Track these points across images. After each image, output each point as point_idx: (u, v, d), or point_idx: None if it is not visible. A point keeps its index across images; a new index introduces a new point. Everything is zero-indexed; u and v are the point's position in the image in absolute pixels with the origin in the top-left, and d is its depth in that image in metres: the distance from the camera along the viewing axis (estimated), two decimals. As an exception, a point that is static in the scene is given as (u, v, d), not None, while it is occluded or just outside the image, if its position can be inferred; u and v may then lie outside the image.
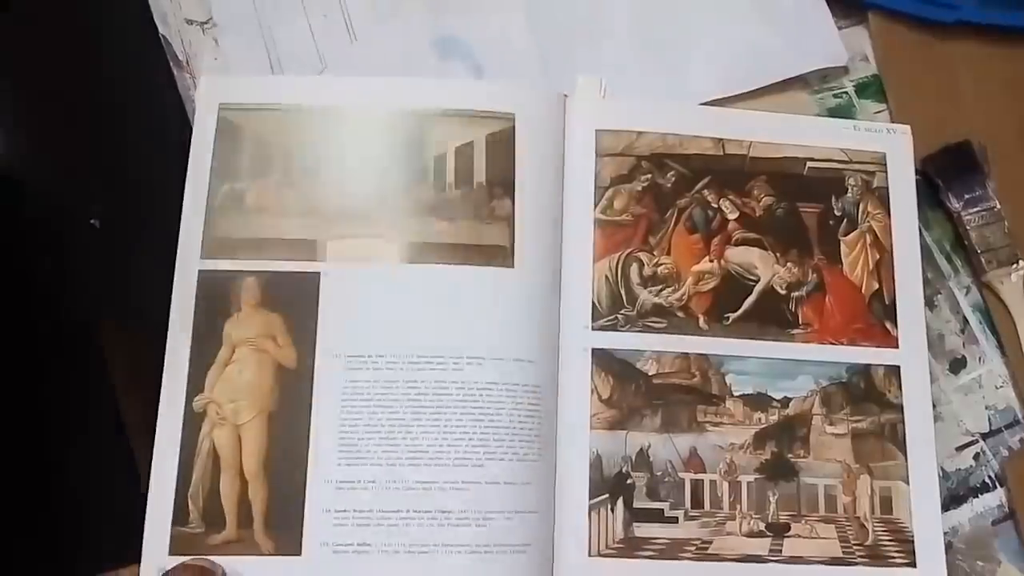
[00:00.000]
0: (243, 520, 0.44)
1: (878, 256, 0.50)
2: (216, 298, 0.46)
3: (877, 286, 0.49)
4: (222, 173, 0.47)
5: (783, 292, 0.49)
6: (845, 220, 0.50)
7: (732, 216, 0.50)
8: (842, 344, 0.48)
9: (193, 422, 0.45)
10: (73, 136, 0.51)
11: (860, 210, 0.50)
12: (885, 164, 0.51)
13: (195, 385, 0.45)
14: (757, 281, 0.49)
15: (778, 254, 0.50)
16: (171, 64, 0.52)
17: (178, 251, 0.46)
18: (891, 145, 0.51)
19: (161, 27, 0.53)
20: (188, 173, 0.48)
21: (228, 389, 0.45)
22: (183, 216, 0.47)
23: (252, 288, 0.46)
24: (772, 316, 0.49)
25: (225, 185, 0.47)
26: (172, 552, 0.43)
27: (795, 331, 0.49)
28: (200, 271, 0.46)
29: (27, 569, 0.56)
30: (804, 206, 0.50)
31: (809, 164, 0.51)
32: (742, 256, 0.50)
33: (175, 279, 0.46)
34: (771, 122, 0.51)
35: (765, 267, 0.49)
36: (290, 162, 0.48)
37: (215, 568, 0.42)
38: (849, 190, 0.51)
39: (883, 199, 0.51)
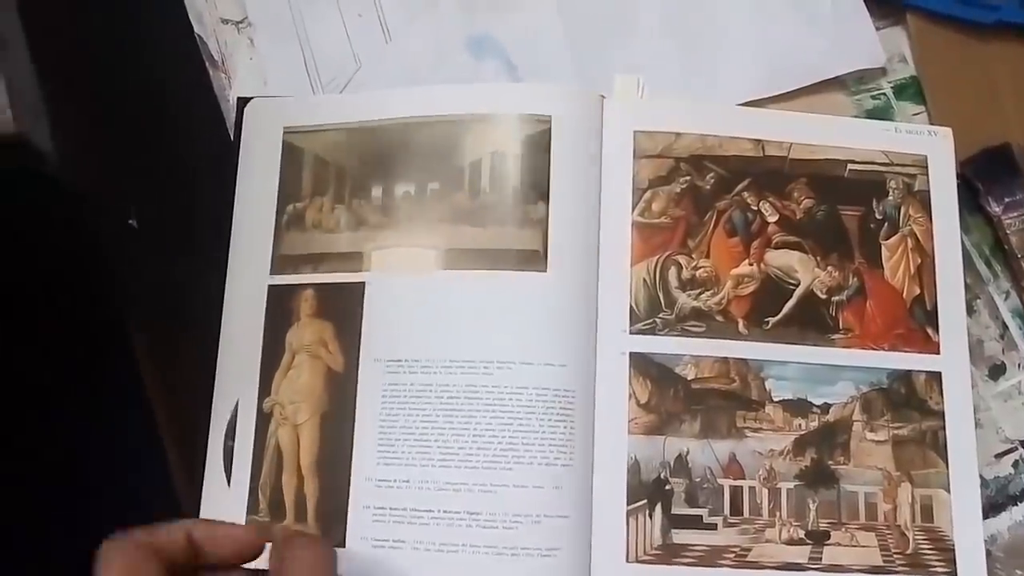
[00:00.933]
0: (300, 512, 0.46)
1: (919, 260, 0.49)
2: (281, 309, 0.49)
3: (918, 291, 0.49)
4: (286, 194, 0.50)
5: (823, 296, 0.49)
6: (886, 223, 0.50)
7: (772, 219, 0.49)
8: (883, 350, 0.48)
9: (263, 422, 0.48)
10: (110, 136, 0.51)
11: (902, 213, 0.50)
12: (926, 167, 0.50)
13: (264, 388, 0.48)
14: (797, 285, 0.49)
15: (818, 258, 0.49)
16: (206, 64, 0.52)
17: (247, 267, 0.49)
18: (932, 147, 0.50)
19: (197, 27, 0.53)
20: (252, 194, 0.50)
21: (289, 392, 0.48)
22: (249, 234, 0.50)
23: (310, 299, 0.48)
24: (812, 321, 0.48)
25: (289, 205, 0.50)
26: None
27: (836, 336, 0.48)
28: (270, 286, 0.49)
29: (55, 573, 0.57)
30: (845, 209, 0.50)
31: (850, 166, 0.50)
32: (782, 259, 0.49)
33: (246, 293, 0.49)
34: (811, 123, 0.51)
35: (805, 271, 0.49)
36: (342, 178, 0.50)
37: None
38: (890, 193, 0.50)
39: (924, 202, 0.50)
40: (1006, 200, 0.51)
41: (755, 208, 0.49)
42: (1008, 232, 0.51)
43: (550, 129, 0.48)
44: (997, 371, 0.50)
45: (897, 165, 0.50)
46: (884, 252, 0.49)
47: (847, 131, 0.51)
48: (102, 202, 0.49)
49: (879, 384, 0.48)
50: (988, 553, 0.47)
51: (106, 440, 0.57)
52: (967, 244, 0.52)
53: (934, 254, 0.49)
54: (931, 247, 0.49)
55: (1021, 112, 0.53)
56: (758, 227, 0.49)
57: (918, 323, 0.48)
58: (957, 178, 0.51)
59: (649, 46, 0.53)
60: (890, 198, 0.50)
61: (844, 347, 0.48)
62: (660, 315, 0.48)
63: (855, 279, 0.49)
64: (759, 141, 0.50)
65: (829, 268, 0.49)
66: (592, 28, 0.54)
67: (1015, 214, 0.51)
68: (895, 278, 0.49)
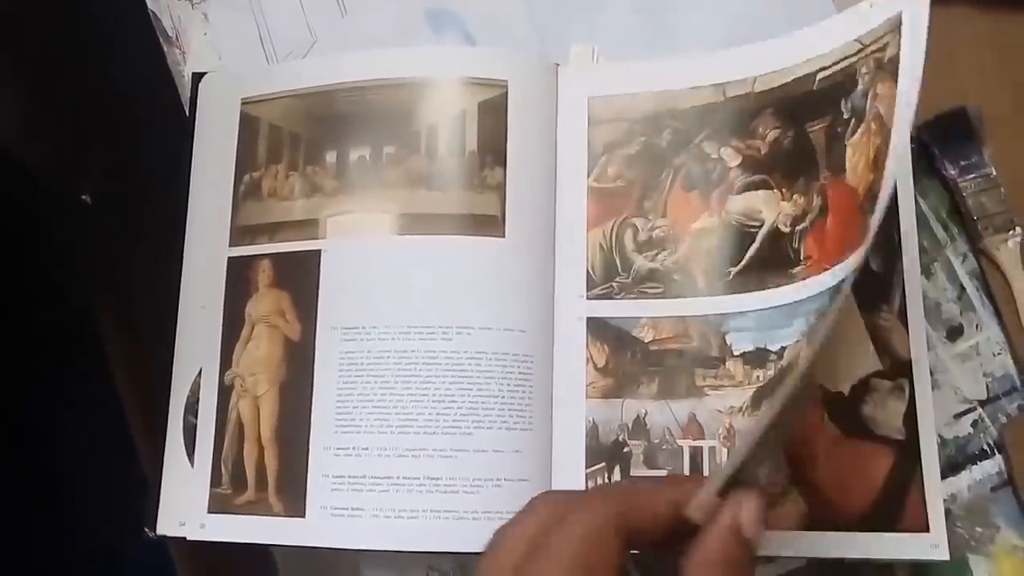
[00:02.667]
0: (260, 483, 0.46)
1: (879, 142, 0.44)
2: (240, 281, 0.48)
3: (872, 177, 0.43)
4: (244, 164, 0.50)
5: (787, 229, 0.46)
6: (852, 120, 0.45)
7: (733, 163, 0.48)
8: (836, 266, 0.43)
9: (224, 395, 0.47)
10: (62, 113, 0.51)
11: (869, 98, 0.45)
12: (900, 25, 0.43)
13: (225, 361, 0.48)
14: (761, 226, 0.47)
15: (784, 189, 0.47)
16: (160, 39, 0.52)
17: (205, 241, 0.49)
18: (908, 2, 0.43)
19: (150, 2, 0.53)
20: (209, 167, 0.50)
21: (249, 363, 0.48)
22: (207, 208, 0.49)
23: (267, 269, 0.48)
24: (775, 259, 0.46)
25: (246, 175, 0.50)
26: (210, 510, 0.46)
27: (796, 269, 0.45)
28: (229, 258, 0.49)
29: (29, 558, 0.56)
30: (812, 125, 0.46)
31: (820, 75, 0.46)
32: (745, 203, 0.47)
33: (205, 266, 0.49)
34: (776, 47, 0.47)
35: (770, 209, 0.47)
36: (295, 145, 0.49)
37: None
38: (860, 81, 0.45)
39: (893, 71, 0.43)
40: (962, 163, 0.51)
41: (714, 157, 0.48)
42: (964, 195, 0.51)
43: (506, 94, 0.48)
44: (955, 332, 0.50)
45: (870, 45, 0.45)
46: (848, 152, 0.45)
47: (815, 38, 0.46)
48: (55, 179, 0.49)
49: (823, 309, 0.44)
50: (948, 511, 0.47)
51: (70, 416, 0.56)
52: (924, 208, 0.52)
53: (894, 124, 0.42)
54: (892, 118, 0.42)
55: (976, 75, 0.53)
56: (718, 176, 0.48)
57: (865, 215, 0.43)
58: (912, 143, 0.51)
59: (609, 20, 0.54)
60: (860, 87, 0.45)
61: (802, 279, 0.45)
62: (617, 279, 0.48)
63: (819, 198, 0.46)
64: (719, 85, 0.48)
65: (795, 197, 0.46)
66: (551, 2, 0.54)
67: (970, 177, 0.51)
68: (855, 175, 0.44)
